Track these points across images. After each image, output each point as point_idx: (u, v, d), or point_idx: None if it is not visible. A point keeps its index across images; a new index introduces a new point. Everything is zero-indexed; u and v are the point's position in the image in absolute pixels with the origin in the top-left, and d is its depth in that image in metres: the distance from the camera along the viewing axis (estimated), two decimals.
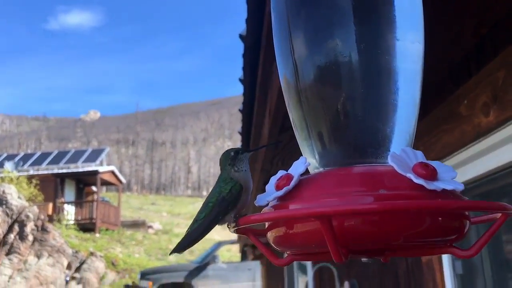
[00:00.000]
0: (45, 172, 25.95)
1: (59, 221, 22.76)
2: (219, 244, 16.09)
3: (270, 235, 0.71)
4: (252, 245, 11.40)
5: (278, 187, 0.67)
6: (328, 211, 0.55)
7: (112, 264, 19.39)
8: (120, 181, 29.26)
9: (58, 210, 24.10)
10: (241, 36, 2.45)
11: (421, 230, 0.59)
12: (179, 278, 14.44)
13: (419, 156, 0.66)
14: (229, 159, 0.77)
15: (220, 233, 34.00)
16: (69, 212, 24.91)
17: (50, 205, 23.59)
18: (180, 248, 0.69)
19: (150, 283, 14.19)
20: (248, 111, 3.31)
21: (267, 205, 0.71)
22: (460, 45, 1.98)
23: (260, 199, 0.69)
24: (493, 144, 1.83)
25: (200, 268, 14.61)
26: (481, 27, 1.85)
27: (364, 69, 0.70)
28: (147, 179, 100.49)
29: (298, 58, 0.73)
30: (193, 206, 47.50)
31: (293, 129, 0.78)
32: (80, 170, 26.27)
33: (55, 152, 30.16)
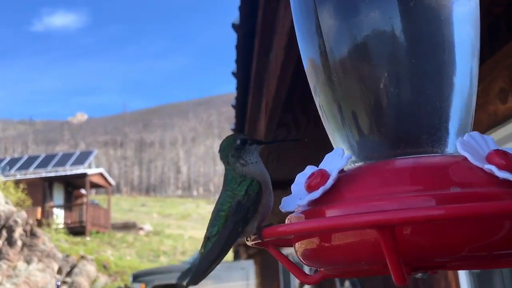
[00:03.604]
0: (33, 176, 25.53)
1: (48, 225, 22.41)
2: None
3: (299, 247, 0.56)
4: (246, 244, 11.25)
5: (310, 187, 0.52)
6: (393, 219, 0.40)
7: (103, 267, 19.12)
8: (109, 183, 28.90)
9: (47, 214, 23.71)
10: (233, 25, 2.29)
11: (508, 237, 0.45)
12: (171, 279, 14.24)
13: (491, 143, 0.52)
14: (232, 148, 0.60)
15: None
16: (58, 216, 24.53)
17: (39, 210, 23.22)
18: (196, 278, 0.54)
19: (143, 285, 13.99)
20: (242, 106, 3.15)
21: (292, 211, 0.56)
22: None
23: (287, 203, 0.54)
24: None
25: (192, 268, 14.44)
26: (495, 5, 1.72)
27: (412, 36, 0.55)
28: (136, 181, 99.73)
29: (327, 33, 0.58)
30: (184, 207, 47.21)
31: (321, 117, 0.63)
32: (69, 173, 25.87)
33: (43, 155, 29.69)
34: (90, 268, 17.97)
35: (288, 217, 0.57)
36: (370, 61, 0.56)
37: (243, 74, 2.66)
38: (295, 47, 1.69)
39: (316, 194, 0.49)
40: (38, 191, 23.89)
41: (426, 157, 0.53)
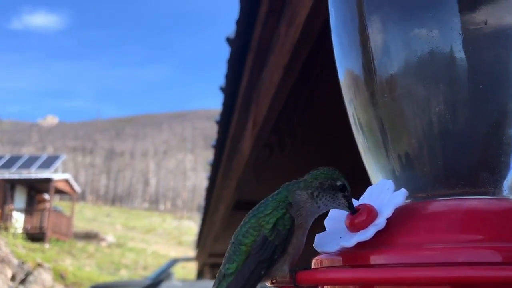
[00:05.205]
0: None
1: (6, 229, 21.58)
2: (175, 261, 15.57)
3: None
4: (211, 265, 11.04)
5: (354, 226, 0.43)
6: (483, 277, 0.32)
7: (60, 277, 18.44)
8: (74, 190, 28.20)
9: (6, 217, 22.86)
10: (228, 39, 2.22)
11: None
12: None
13: None
14: (326, 182, 0.48)
15: (177, 249, 33.15)
16: (18, 220, 23.67)
17: None
18: None
19: None
20: (226, 122, 3.06)
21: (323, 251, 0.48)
22: None
23: (324, 242, 0.45)
24: None
25: (153, 285, 14.00)
26: None
27: (479, 58, 0.48)
28: (102, 190, 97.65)
29: (376, 46, 0.51)
30: (149, 220, 46.41)
31: (356, 136, 0.55)
32: (33, 176, 25.10)
33: (7, 156, 28.79)
34: (46, 277, 17.30)
35: (316, 257, 0.48)
36: (427, 82, 0.48)
37: (231, 89, 2.59)
38: (295, 67, 1.63)
39: (367, 234, 0.41)
40: None
41: (494, 200, 0.45)
